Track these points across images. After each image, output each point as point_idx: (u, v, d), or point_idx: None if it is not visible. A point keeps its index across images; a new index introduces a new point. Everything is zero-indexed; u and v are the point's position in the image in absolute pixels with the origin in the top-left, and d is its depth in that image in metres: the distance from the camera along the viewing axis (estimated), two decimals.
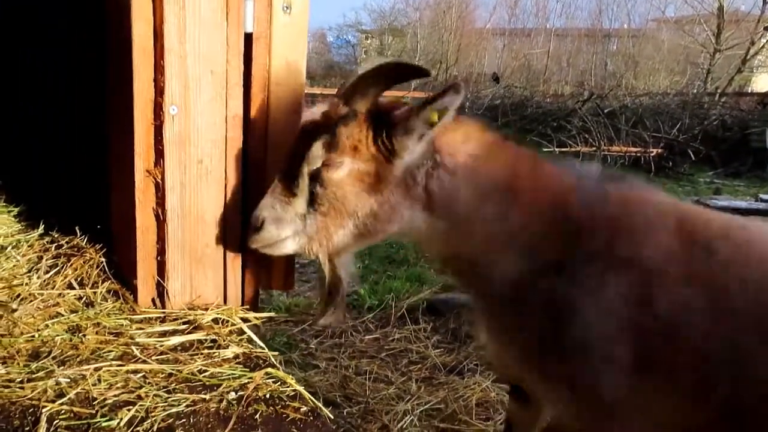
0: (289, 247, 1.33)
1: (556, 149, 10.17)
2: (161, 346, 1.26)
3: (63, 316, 1.28)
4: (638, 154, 10.20)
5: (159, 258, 1.37)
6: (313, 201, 1.30)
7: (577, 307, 1.23)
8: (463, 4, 29.72)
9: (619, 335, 1.23)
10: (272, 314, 1.53)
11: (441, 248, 1.42)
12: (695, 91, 21.35)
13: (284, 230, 1.31)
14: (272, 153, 1.45)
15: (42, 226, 1.60)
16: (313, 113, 1.33)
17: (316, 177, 1.29)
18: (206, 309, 1.40)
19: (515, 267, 1.30)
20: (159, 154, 1.30)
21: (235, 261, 1.47)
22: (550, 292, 1.26)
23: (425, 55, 29.26)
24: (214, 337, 1.31)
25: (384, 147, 1.29)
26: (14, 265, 1.41)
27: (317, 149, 1.28)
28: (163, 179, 1.30)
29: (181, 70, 1.27)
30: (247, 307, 1.51)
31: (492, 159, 1.35)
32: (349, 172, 1.29)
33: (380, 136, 1.30)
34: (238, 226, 1.44)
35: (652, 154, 10.16)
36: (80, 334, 1.25)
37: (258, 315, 1.47)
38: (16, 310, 1.27)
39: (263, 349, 1.35)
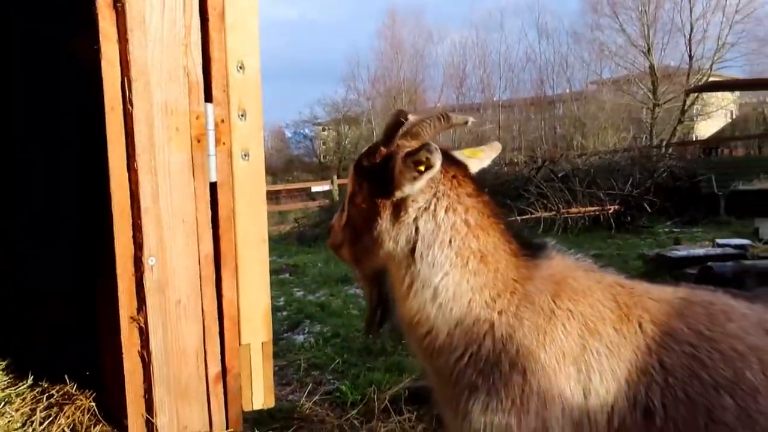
0: (343, 253, 1.63)
1: (518, 218, 10.53)
2: None
3: None
4: (597, 213, 10.63)
5: (146, 396, 1.48)
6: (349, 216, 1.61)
7: None
8: (412, 88, 31.17)
9: None
10: None
11: None
12: (642, 145, 22.48)
13: (338, 236, 1.67)
14: (243, 283, 1.60)
15: (31, 377, 1.69)
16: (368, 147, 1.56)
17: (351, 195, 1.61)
18: None
19: None
20: (141, 301, 1.44)
21: (216, 387, 1.58)
22: None
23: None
24: None
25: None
26: (9, 421, 1.49)
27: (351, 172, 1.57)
28: (146, 323, 1.44)
29: (156, 225, 1.43)
30: (232, 430, 1.61)
31: None
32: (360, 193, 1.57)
33: None
34: (217, 355, 1.56)
35: (610, 212, 10.60)
36: None
37: None
38: None
39: None
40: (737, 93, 30.41)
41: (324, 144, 34.28)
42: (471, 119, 1.65)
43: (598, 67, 29.84)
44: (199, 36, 1.53)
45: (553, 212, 10.44)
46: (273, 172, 33.14)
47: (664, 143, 19.35)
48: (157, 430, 1.49)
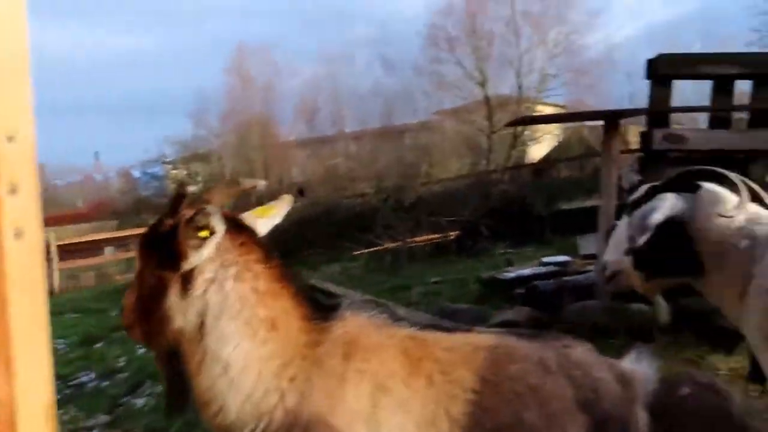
0: None
1: (365, 250, 10.82)
2: None
3: None
4: (440, 240, 11.21)
5: None
6: None
7: None
8: (263, 123, 30.93)
9: None
10: None
11: None
12: (481, 170, 24.15)
13: None
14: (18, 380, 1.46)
15: None
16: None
17: None
18: None
19: None
20: None
21: None
22: None
23: (236, 176, 29.67)
24: None
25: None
26: None
27: None
28: None
29: None
30: None
31: None
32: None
33: None
34: None
35: (451, 238, 11.22)
36: None
37: None
38: None
39: None
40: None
41: (174, 183, 32.79)
42: (263, 182, 1.67)
43: (440, 97, 31.69)
44: None
45: (399, 242, 10.84)
46: (120, 214, 31.00)
47: (498, 168, 20.98)
48: None
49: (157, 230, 1.50)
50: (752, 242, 2.07)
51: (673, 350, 4.41)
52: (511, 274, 7.31)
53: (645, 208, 2.19)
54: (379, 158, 31.63)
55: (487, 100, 27.82)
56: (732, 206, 2.13)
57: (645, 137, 4.83)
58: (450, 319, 5.92)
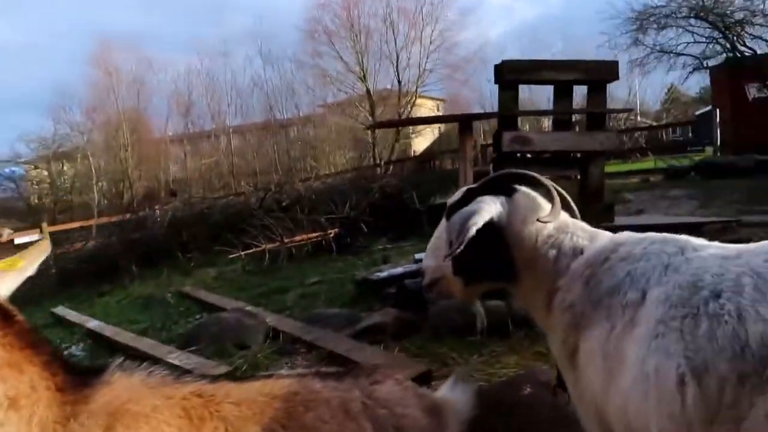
0: None
1: (242, 253, 10.44)
2: None
3: None
4: (319, 238, 11.04)
5: None
6: None
7: None
8: (134, 118, 29.15)
9: None
10: None
11: None
12: (367, 164, 24.28)
13: None
14: None
15: None
16: None
17: None
18: None
19: None
20: None
21: None
22: None
23: (106, 175, 27.80)
24: None
25: None
26: None
27: None
28: None
29: None
30: None
31: None
32: None
33: None
34: None
35: (331, 236, 11.08)
36: None
37: None
38: None
39: None
40: (441, 110, 34.79)
41: (36, 184, 30.14)
42: (8, 230, 1.43)
43: (323, 91, 31.49)
44: None
45: (278, 242, 10.55)
46: None
47: (382, 162, 21.18)
48: None
49: None
50: (558, 253, 2.04)
51: (527, 344, 4.55)
52: (383, 273, 7.26)
53: (463, 212, 2.09)
54: (261, 153, 30.94)
55: (368, 94, 28.00)
56: (546, 213, 2.10)
57: (495, 139, 4.93)
58: (322, 325, 5.81)
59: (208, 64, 32.93)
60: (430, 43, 29.46)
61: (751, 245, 1.68)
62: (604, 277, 1.81)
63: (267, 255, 10.39)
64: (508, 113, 4.82)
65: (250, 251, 10.51)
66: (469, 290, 2.25)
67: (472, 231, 1.99)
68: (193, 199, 14.32)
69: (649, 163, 18.76)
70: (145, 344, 6.10)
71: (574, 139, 4.74)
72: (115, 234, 12.60)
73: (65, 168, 28.74)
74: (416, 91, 29.09)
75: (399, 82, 28.80)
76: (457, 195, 2.23)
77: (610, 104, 7.65)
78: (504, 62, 4.84)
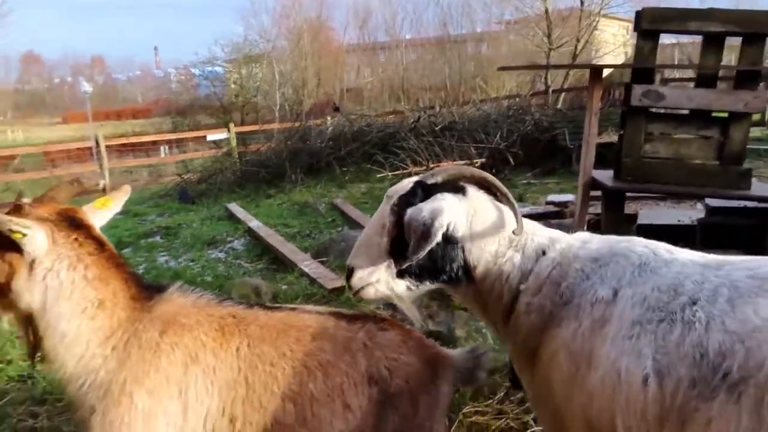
0: None
1: (390, 173, 11.00)
2: None
3: None
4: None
5: None
6: None
7: None
8: (315, 28, 30.52)
9: None
10: None
11: None
12: (535, 89, 23.29)
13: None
14: None
15: None
16: None
17: None
18: None
19: None
20: None
21: None
22: None
23: (288, 81, 29.81)
24: None
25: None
26: None
27: None
28: None
29: None
30: None
31: None
32: None
33: None
34: None
35: (476, 165, 11.20)
36: None
37: None
38: None
39: None
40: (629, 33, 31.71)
41: (235, 84, 33.07)
42: (103, 182, 1.91)
43: (499, 8, 30.21)
44: None
45: (423, 167, 10.93)
46: (182, 111, 31.88)
47: (550, 90, 20.23)
48: None
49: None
50: (521, 257, 1.99)
51: None
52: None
53: (424, 210, 1.95)
54: (435, 69, 30.94)
55: (546, 14, 26.33)
56: (499, 216, 2.02)
57: (626, 92, 4.72)
58: None
59: None
60: None
61: (736, 258, 1.68)
62: (574, 276, 1.86)
63: (411, 177, 10.81)
64: (643, 65, 4.56)
65: (397, 172, 11.02)
66: (410, 294, 2.10)
67: (439, 235, 1.91)
68: (353, 116, 14.97)
69: None
70: (287, 249, 6.93)
71: (713, 97, 4.39)
72: (285, 141, 13.71)
73: (255, 71, 31.12)
74: (600, 11, 26.69)
75: (581, 1, 26.61)
76: (406, 185, 2.07)
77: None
78: (645, 9, 4.53)
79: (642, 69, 4.57)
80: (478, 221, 2.02)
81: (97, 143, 16.07)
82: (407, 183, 2.08)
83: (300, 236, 8.13)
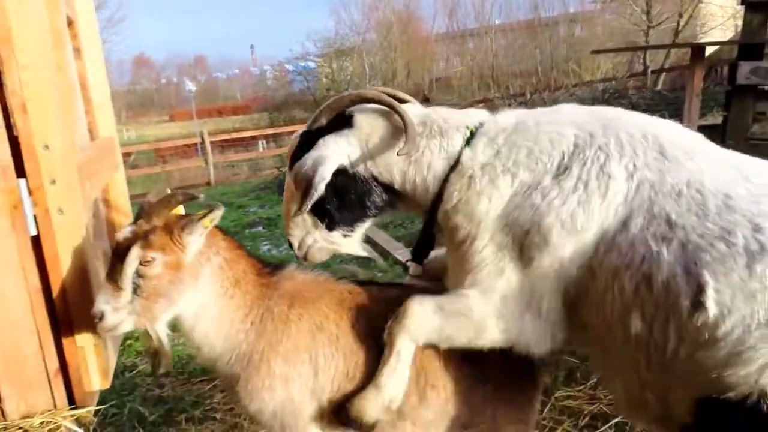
0: (126, 326, 1.88)
1: None
2: None
3: None
4: None
5: None
6: (135, 290, 1.84)
7: None
8: (403, 20, 30.65)
9: None
10: (85, 410, 2.25)
11: None
12: (634, 70, 22.20)
13: (119, 315, 1.85)
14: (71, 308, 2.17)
15: None
16: (123, 234, 1.90)
17: (137, 272, 1.83)
18: (33, 416, 2.14)
19: None
20: None
21: (56, 379, 2.20)
22: None
23: (378, 73, 30.20)
24: None
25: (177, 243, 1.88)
26: None
27: (135, 252, 1.81)
28: None
29: None
30: (75, 406, 2.23)
31: None
32: (162, 264, 1.86)
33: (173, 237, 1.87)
34: (54, 357, 2.16)
35: None
36: None
37: (76, 412, 2.20)
38: None
39: None
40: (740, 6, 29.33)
41: (326, 78, 33.90)
42: (201, 195, 2.04)
43: None
44: (4, 130, 2.05)
45: None
46: (278, 106, 33.19)
47: (649, 71, 19.25)
48: (5, 412, 2.13)
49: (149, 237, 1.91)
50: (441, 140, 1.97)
51: None
52: None
53: (306, 163, 1.95)
54: (525, 54, 30.22)
55: None
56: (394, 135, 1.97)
57: (731, 70, 4.52)
58: None
59: None
60: None
61: None
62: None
63: None
64: (751, 41, 4.35)
65: None
66: (349, 240, 2.14)
67: (321, 188, 1.90)
68: (443, 105, 14.96)
69: None
70: (381, 238, 7.16)
71: None
72: None
73: (345, 64, 31.76)
74: None
75: None
76: (294, 140, 2.06)
77: None
78: None
79: (750, 45, 4.36)
80: (373, 143, 1.99)
81: (203, 140, 17.06)
82: (295, 136, 2.07)
83: (392, 226, 8.34)
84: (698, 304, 1.51)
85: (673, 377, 1.61)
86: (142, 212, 1.97)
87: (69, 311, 2.19)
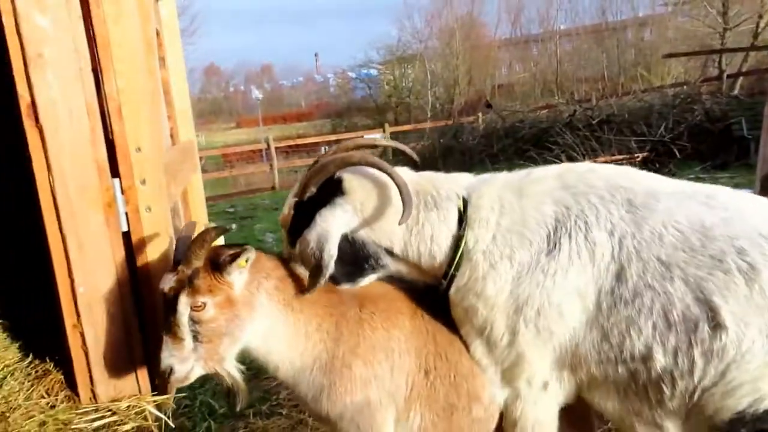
0: (197, 372, 1.89)
1: None
2: (91, 428, 2.15)
3: (35, 417, 2.20)
4: (624, 162, 10.69)
5: (90, 374, 2.27)
6: (195, 337, 1.84)
7: None
8: (465, 27, 30.51)
9: None
10: (166, 396, 2.39)
11: None
12: (707, 74, 21.30)
13: (187, 364, 1.86)
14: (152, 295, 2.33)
15: (29, 358, 2.53)
16: (167, 283, 1.85)
17: (191, 319, 1.82)
18: (121, 399, 2.30)
19: None
20: (78, 314, 2.20)
21: (142, 366, 2.35)
22: None
23: (439, 80, 30.19)
24: (122, 418, 2.20)
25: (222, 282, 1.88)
26: (10, 388, 2.34)
27: (183, 301, 1.79)
28: (82, 329, 2.21)
29: (82, 264, 2.18)
30: (158, 393, 2.38)
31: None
32: (213, 306, 1.84)
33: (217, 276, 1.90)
34: (140, 344, 2.31)
35: (638, 159, 10.64)
36: (45, 426, 2.16)
37: (158, 398, 2.35)
38: (8, 417, 2.19)
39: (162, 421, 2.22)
40: None
41: (388, 85, 34.12)
42: (233, 226, 2.05)
43: None
44: (102, 132, 2.22)
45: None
46: (340, 113, 33.80)
47: (725, 75, 18.39)
48: (96, 395, 2.30)
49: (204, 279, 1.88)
50: (438, 213, 2.05)
51: None
52: None
53: (310, 243, 1.96)
54: (591, 60, 29.53)
55: None
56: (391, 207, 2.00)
57: None
58: None
59: None
60: None
61: None
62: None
63: None
64: None
65: None
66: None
67: (331, 266, 1.93)
68: (506, 111, 14.87)
69: None
70: None
71: None
72: (438, 139, 14.04)
73: (407, 71, 31.91)
74: None
75: None
76: (288, 210, 2.06)
77: None
78: None
79: None
80: (368, 209, 2.02)
81: (268, 146, 17.59)
82: (288, 204, 2.08)
83: None
84: (718, 326, 1.71)
85: (700, 400, 1.77)
86: (177, 253, 1.96)
87: (154, 303, 2.34)
